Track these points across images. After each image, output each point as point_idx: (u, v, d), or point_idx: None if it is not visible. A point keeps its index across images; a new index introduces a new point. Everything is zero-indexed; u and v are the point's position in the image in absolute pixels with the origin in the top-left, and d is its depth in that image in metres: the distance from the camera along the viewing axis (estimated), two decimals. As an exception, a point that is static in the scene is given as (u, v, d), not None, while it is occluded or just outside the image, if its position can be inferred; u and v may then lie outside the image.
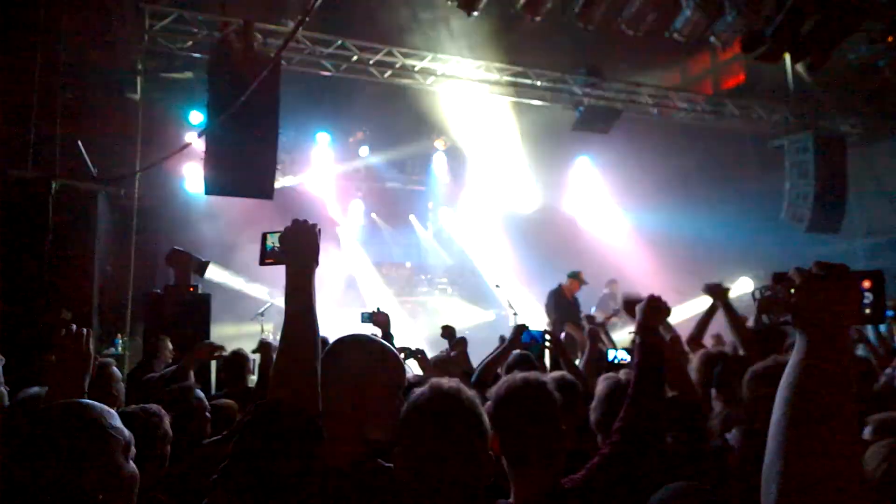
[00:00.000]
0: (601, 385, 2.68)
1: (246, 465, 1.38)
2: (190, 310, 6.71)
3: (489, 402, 1.86)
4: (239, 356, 4.82)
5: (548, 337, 4.33)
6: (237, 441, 1.43)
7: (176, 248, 7.27)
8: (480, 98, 9.76)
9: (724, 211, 11.59)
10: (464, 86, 9.29)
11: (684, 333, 5.11)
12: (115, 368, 3.07)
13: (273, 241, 1.81)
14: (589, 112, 9.79)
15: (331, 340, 1.85)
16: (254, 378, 5.31)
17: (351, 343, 1.78)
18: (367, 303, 11.37)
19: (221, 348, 4.08)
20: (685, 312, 7.69)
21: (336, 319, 8.06)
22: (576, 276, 9.11)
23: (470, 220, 13.63)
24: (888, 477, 1.45)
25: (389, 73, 8.87)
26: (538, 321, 8.32)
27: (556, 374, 2.93)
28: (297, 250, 1.69)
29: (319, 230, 1.73)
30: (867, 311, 1.18)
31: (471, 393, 1.61)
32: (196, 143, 7.80)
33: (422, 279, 13.03)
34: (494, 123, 11.43)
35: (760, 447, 1.05)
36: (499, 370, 3.60)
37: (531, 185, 13.04)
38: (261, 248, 1.84)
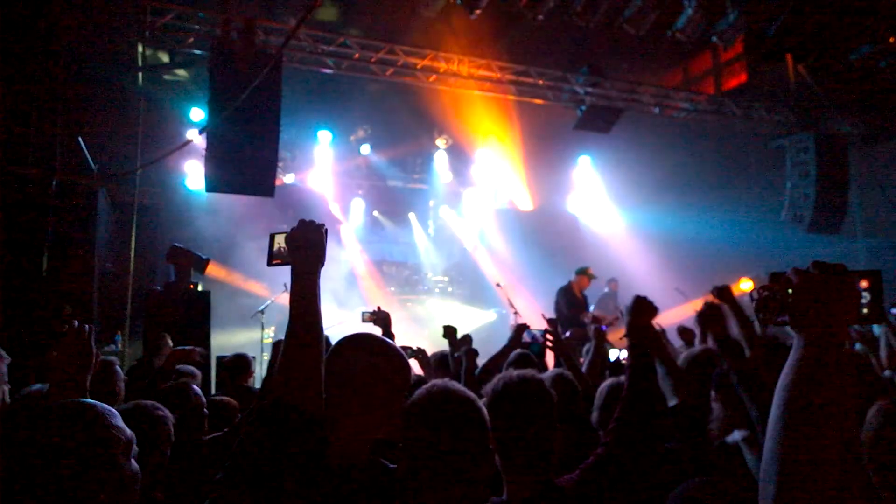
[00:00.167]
0: (604, 384, 2.68)
1: (249, 465, 1.37)
2: (190, 307, 6.72)
3: (484, 399, 1.85)
4: (242, 359, 4.84)
5: (549, 336, 4.33)
6: (241, 440, 1.42)
7: (176, 245, 7.27)
8: (482, 96, 9.76)
9: (725, 210, 11.59)
10: (465, 84, 9.29)
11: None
12: (117, 367, 3.07)
13: (280, 242, 1.80)
14: (590, 111, 9.78)
15: (332, 340, 1.85)
16: (253, 378, 5.33)
17: (357, 342, 1.77)
18: (368, 302, 11.37)
19: (200, 352, 4.08)
20: (685, 312, 7.68)
21: (337, 318, 8.06)
22: (584, 272, 8.98)
23: (471, 218, 13.63)
24: (879, 436, 1.46)
25: (391, 70, 8.86)
26: (538, 320, 8.30)
27: (554, 371, 2.92)
28: (303, 251, 1.68)
29: (326, 230, 1.73)
30: (865, 310, 1.18)
31: (470, 391, 1.61)
32: (197, 140, 7.80)
33: (423, 278, 13.03)
34: (496, 122, 11.43)
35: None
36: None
37: (532, 184, 13.04)
38: (268, 249, 1.84)
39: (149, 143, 7.92)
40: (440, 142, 12.47)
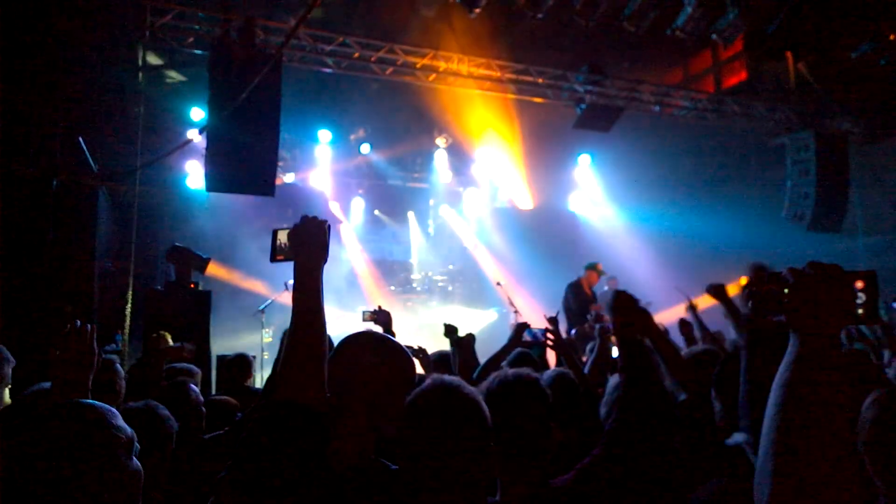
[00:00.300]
0: (613, 378, 2.67)
1: (252, 463, 1.38)
2: (190, 306, 6.73)
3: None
4: (243, 359, 4.84)
5: (549, 335, 4.32)
6: (244, 438, 1.43)
7: (176, 244, 7.28)
8: (481, 95, 9.75)
9: (725, 209, 11.59)
10: (465, 83, 9.28)
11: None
12: (118, 366, 3.08)
13: (283, 238, 1.80)
14: (590, 110, 9.77)
15: (332, 338, 1.85)
16: (253, 378, 5.33)
17: (361, 341, 1.77)
18: (368, 301, 11.37)
19: (189, 348, 4.09)
20: (683, 311, 7.67)
21: (337, 317, 8.06)
22: (593, 268, 8.83)
23: (471, 217, 13.63)
24: (876, 423, 1.46)
25: (391, 70, 8.85)
26: (539, 319, 8.29)
27: (555, 370, 2.91)
28: (306, 246, 1.68)
29: (329, 226, 1.73)
30: (860, 311, 1.18)
31: (472, 388, 1.60)
32: (197, 139, 7.80)
33: (423, 277, 13.03)
34: (495, 121, 11.42)
35: None
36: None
37: (532, 183, 13.04)
38: (271, 245, 1.84)
39: (149, 143, 7.92)
40: (440, 141, 12.46)
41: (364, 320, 4.22)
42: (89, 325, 1.98)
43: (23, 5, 6.00)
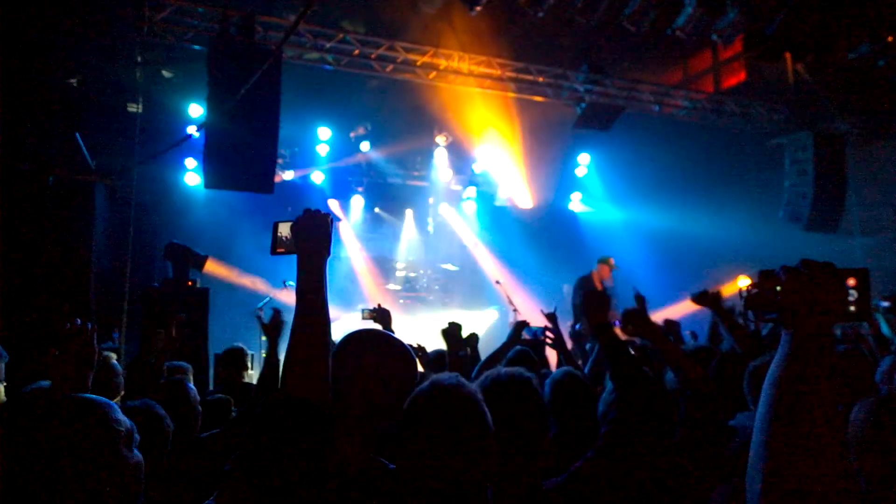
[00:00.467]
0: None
1: (257, 459, 1.37)
2: (188, 304, 6.71)
3: None
4: (237, 351, 4.81)
5: (548, 333, 4.32)
6: (247, 434, 1.42)
7: (174, 242, 7.26)
8: (482, 94, 9.74)
9: (723, 208, 11.60)
10: (465, 81, 9.27)
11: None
12: (115, 362, 3.07)
13: (284, 230, 1.79)
14: (590, 109, 9.77)
15: (333, 337, 1.83)
16: (251, 373, 5.31)
17: (363, 338, 1.77)
18: (368, 299, 11.35)
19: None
20: (684, 310, 7.68)
21: (335, 318, 8.02)
22: (605, 262, 8.65)
23: (470, 216, 13.62)
24: (869, 430, 1.47)
25: (391, 67, 8.84)
26: (538, 317, 8.28)
27: (564, 369, 2.89)
28: (308, 240, 1.67)
29: (332, 220, 1.72)
30: (852, 308, 1.19)
31: (472, 387, 1.59)
32: (195, 136, 7.77)
33: (422, 275, 13.01)
34: (496, 119, 11.41)
35: None
36: None
37: (532, 182, 13.02)
38: (272, 237, 1.82)
39: (147, 140, 7.89)
40: (440, 139, 12.44)
41: (363, 318, 4.21)
42: (90, 325, 1.97)
43: (21, 2, 5.97)
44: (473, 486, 1.49)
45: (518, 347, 3.75)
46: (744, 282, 10.24)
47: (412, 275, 12.79)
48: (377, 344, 1.75)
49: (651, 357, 3.57)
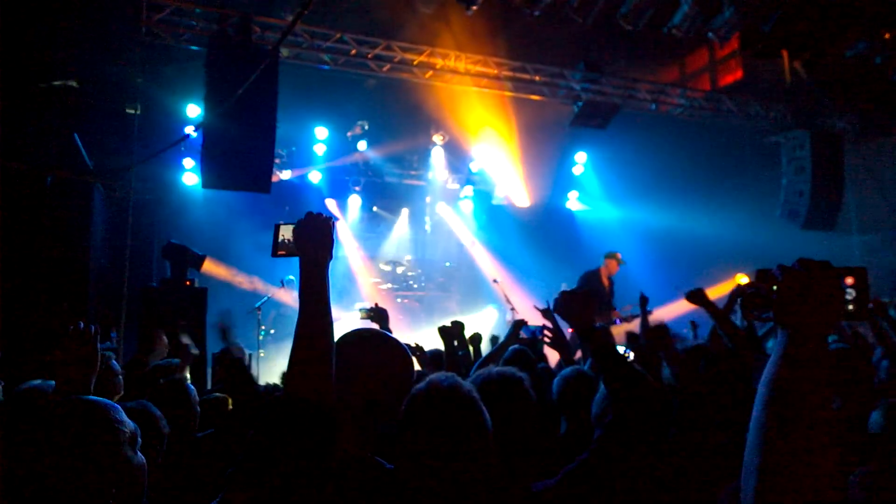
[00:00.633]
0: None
1: (261, 460, 1.38)
2: (186, 304, 6.71)
3: None
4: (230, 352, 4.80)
5: (546, 332, 4.32)
6: (253, 434, 1.43)
7: (172, 241, 7.26)
8: (478, 93, 9.74)
9: (720, 207, 11.62)
10: (462, 80, 9.27)
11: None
12: (114, 362, 3.07)
13: (286, 232, 1.79)
14: (587, 107, 9.78)
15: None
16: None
17: (359, 338, 1.77)
18: (365, 298, 11.36)
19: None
20: (681, 308, 7.71)
21: (337, 317, 8.01)
22: (612, 257, 8.54)
23: (468, 214, 13.62)
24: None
25: (388, 67, 8.84)
26: (536, 316, 8.29)
27: (573, 368, 2.88)
28: (310, 242, 1.67)
29: (334, 223, 1.72)
30: (850, 307, 1.18)
31: (470, 387, 1.60)
32: (193, 136, 7.77)
33: (419, 274, 13.01)
34: (492, 118, 11.41)
35: None
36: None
37: (529, 180, 13.03)
38: (273, 239, 1.83)
39: (145, 140, 7.89)
40: (437, 138, 12.44)
41: (361, 318, 4.22)
42: (93, 327, 1.98)
43: (20, 2, 5.96)
44: (472, 486, 1.50)
45: (515, 346, 3.75)
46: (742, 280, 10.27)
47: (410, 273, 12.78)
48: (374, 343, 1.75)
49: (648, 355, 3.58)
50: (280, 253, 1.81)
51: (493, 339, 5.61)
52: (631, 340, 4.45)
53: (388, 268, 12.65)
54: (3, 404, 2.63)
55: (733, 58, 11.99)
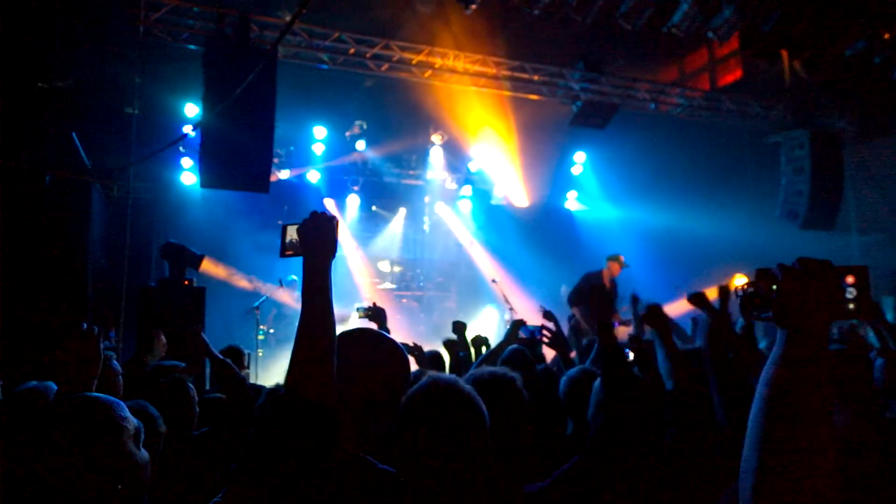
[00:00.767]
0: (597, 382, 2.65)
1: (262, 459, 1.37)
2: (184, 303, 6.70)
3: None
4: (234, 351, 4.81)
5: (545, 332, 4.31)
6: (254, 432, 1.42)
7: (170, 241, 7.25)
8: (477, 92, 9.74)
9: (720, 207, 11.62)
10: (461, 80, 9.26)
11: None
12: (115, 362, 3.07)
13: (293, 233, 1.80)
14: (586, 107, 9.78)
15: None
16: (247, 372, 5.30)
17: (356, 337, 1.77)
18: (363, 298, 11.35)
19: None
20: (680, 308, 7.69)
21: (342, 316, 8.00)
22: (616, 259, 8.50)
23: (466, 214, 13.62)
24: None
25: (386, 66, 8.84)
26: (535, 316, 8.29)
27: (578, 368, 2.87)
28: (314, 242, 1.67)
29: (337, 222, 1.72)
30: (850, 306, 1.17)
31: (468, 386, 1.59)
32: (191, 135, 7.76)
33: (418, 274, 13.01)
34: (491, 118, 11.41)
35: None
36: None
37: (528, 180, 13.03)
38: (281, 240, 1.83)
39: (143, 139, 7.88)
40: (435, 137, 12.44)
41: (359, 317, 4.21)
42: (96, 329, 1.99)
43: (18, 2, 5.95)
44: (472, 486, 1.50)
45: (513, 347, 3.75)
46: (740, 280, 10.29)
47: (409, 273, 12.77)
48: (370, 343, 1.75)
49: (652, 355, 3.57)
50: (288, 253, 1.82)
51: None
52: (633, 341, 4.45)
53: (386, 267, 12.64)
54: (3, 404, 2.62)
55: (733, 57, 12.00)
